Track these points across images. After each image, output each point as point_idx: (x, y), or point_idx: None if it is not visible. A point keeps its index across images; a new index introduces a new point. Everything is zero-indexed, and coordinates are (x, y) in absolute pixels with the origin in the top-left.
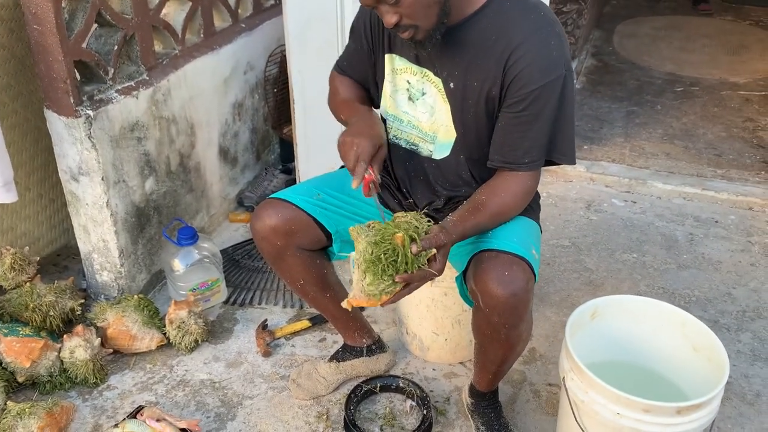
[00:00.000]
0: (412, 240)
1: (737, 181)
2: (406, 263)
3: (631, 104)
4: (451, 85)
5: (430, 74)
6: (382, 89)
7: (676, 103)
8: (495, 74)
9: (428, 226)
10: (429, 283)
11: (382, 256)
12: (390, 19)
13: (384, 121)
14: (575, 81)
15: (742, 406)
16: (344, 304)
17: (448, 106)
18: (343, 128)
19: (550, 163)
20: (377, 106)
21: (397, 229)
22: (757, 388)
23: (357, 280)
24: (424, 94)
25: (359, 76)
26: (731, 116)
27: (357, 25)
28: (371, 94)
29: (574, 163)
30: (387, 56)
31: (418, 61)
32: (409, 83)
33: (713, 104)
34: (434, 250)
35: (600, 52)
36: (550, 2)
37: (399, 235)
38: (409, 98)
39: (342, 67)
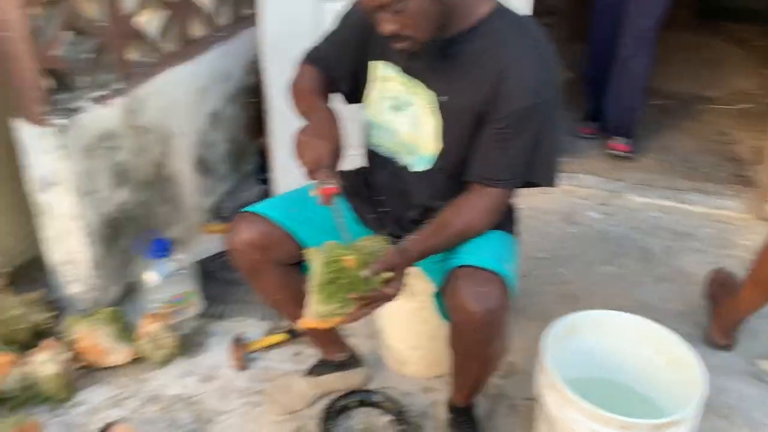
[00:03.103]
0: (365, 263)
1: (712, 194)
2: (357, 285)
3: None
4: (441, 99)
5: (419, 86)
6: (363, 91)
7: (651, 116)
8: (486, 90)
9: (386, 247)
10: (406, 296)
11: (332, 277)
12: (388, 27)
13: (369, 126)
14: None
15: (716, 420)
16: (299, 325)
17: (432, 120)
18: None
19: (530, 184)
20: (351, 102)
21: (353, 251)
22: (731, 402)
23: (311, 302)
24: (410, 105)
25: (334, 71)
26: (706, 130)
27: (350, 19)
28: (341, 90)
29: (554, 186)
30: (378, 62)
31: (408, 71)
32: (396, 92)
33: (688, 118)
34: (390, 273)
35: (576, 65)
36: None
37: (351, 258)
38: (394, 107)
39: (315, 58)
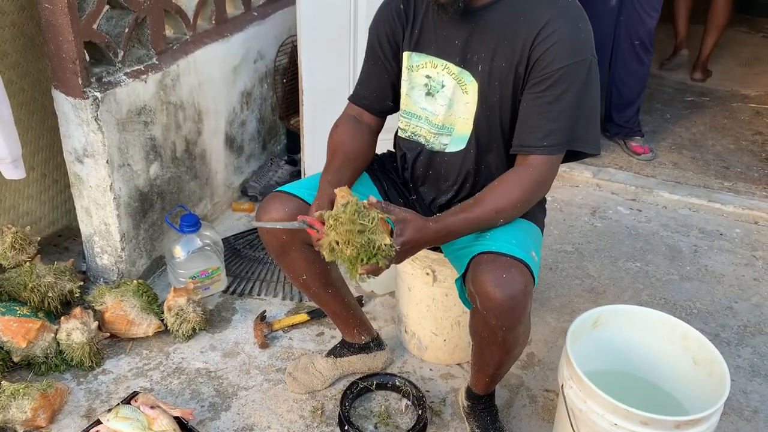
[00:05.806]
0: (390, 231)
1: (744, 194)
2: (370, 245)
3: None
4: (480, 67)
5: (450, 65)
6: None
7: (685, 113)
8: (522, 53)
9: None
10: (430, 282)
11: (357, 226)
12: None
13: (404, 118)
14: None
15: (739, 422)
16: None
17: (466, 98)
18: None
19: (572, 155)
20: (398, 109)
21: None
22: (755, 404)
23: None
24: (443, 86)
25: (377, 96)
26: (741, 129)
27: (371, 41)
28: (391, 110)
29: (599, 153)
30: (405, 54)
31: (440, 53)
32: (429, 78)
33: (723, 116)
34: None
35: None
36: None
37: (382, 217)
38: (428, 93)
39: (358, 96)
